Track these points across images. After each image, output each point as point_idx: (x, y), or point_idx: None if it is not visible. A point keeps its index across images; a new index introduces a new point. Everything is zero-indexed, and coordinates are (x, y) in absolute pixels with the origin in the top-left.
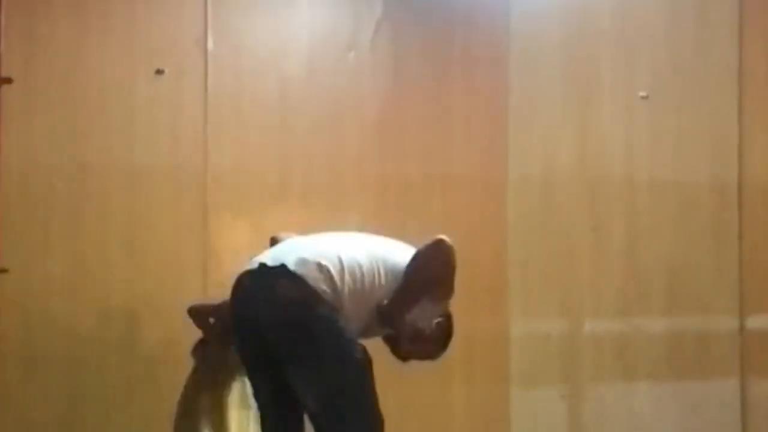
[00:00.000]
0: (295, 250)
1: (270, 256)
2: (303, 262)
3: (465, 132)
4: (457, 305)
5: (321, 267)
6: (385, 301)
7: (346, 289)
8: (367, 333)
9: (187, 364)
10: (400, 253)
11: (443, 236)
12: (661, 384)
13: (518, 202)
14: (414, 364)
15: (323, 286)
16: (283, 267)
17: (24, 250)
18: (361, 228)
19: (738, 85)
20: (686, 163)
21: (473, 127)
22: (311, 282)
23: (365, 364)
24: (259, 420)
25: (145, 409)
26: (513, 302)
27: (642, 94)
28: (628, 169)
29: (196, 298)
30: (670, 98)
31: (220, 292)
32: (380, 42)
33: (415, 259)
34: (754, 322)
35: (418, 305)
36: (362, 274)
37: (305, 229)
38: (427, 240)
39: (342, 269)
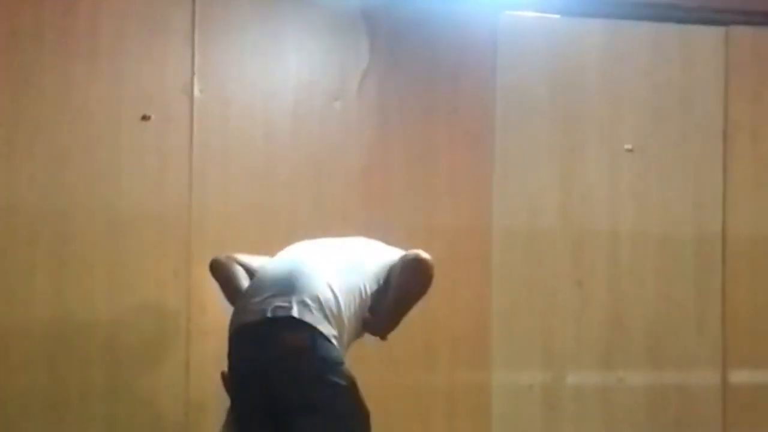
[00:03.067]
0: (291, 289)
1: (265, 301)
2: (304, 306)
3: (449, 182)
4: (440, 355)
5: (323, 308)
6: (368, 314)
7: (346, 321)
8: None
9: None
10: (380, 258)
11: (424, 255)
12: None
13: (502, 253)
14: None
15: (333, 331)
16: (289, 318)
17: (7, 295)
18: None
19: (723, 139)
20: (670, 216)
21: (458, 177)
22: (321, 329)
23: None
24: None
25: None
26: (496, 352)
27: (627, 147)
28: (613, 222)
29: (176, 347)
30: (654, 151)
31: (203, 339)
32: (366, 91)
33: (400, 286)
34: (737, 376)
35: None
36: (355, 298)
37: None
38: (410, 256)
39: (339, 303)
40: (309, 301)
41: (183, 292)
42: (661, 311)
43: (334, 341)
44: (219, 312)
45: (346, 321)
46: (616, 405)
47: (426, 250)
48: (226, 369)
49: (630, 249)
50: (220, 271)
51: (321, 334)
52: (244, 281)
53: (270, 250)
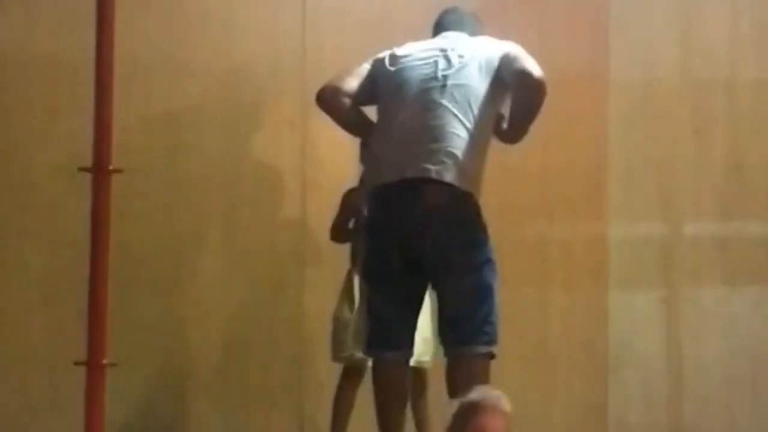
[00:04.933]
0: (426, 148)
1: (402, 161)
2: (443, 165)
3: (567, 32)
4: (555, 208)
5: (458, 164)
6: (505, 126)
7: (479, 167)
8: None
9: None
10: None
11: (537, 73)
12: (762, 287)
13: (619, 104)
14: (514, 270)
15: (471, 187)
16: (431, 179)
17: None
18: None
19: None
20: None
21: (575, 26)
22: (462, 186)
23: None
24: (377, 321)
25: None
26: (612, 205)
27: None
28: (732, 69)
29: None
30: None
31: (318, 193)
32: None
33: (519, 105)
34: None
35: None
36: (482, 133)
37: None
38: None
39: (471, 151)
40: (446, 159)
41: (298, 144)
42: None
43: (475, 196)
44: (335, 166)
45: (479, 167)
46: (735, 256)
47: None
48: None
49: (749, 96)
50: (327, 105)
51: (463, 193)
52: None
53: None
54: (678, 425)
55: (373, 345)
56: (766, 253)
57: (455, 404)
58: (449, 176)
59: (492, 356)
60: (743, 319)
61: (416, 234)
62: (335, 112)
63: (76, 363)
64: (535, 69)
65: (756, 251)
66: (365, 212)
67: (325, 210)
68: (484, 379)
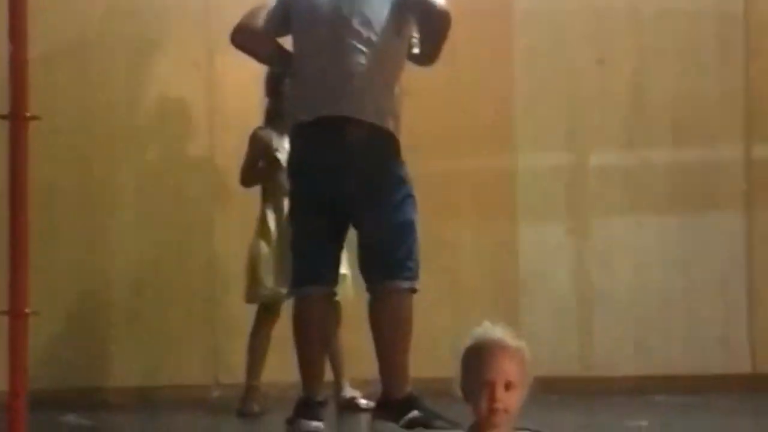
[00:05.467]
0: (343, 89)
1: (320, 103)
2: (361, 103)
3: None
4: (463, 141)
5: (375, 102)
6: (415, 50)
7: (393, 103)
8: None
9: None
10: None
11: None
12: (667, 217)
13: (524, 36)
14: (423, 204)
15: (389, 124)
16: (350, 118)
17: None
18: None
19: None
20: None
21: None
22: (381, 123)
23: None
24: (302, 257)
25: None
26: (520, 136)
27: None
28: None
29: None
30: None
31: (226, 133)
32: None
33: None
34: (761, 151)
35: None
36: (390, 72)
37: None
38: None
39: (381, 88)
40: (363, 97)
41: (205, 85)
42: (684, 88)
43: (395, 133)
44: (242, 105)
45: (395, 103)
46: (640, 184)
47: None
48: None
49: (652, 26)
50: (241, 45)
51: (383, 130)
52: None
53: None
54: (588, 356)
55: (297, 281)
56: (671, 182)
57: (459, 349)
58: (367, 114)
59: (414, 291)
60: (650, 248)
61: (338, 172)
62: (251, 51)
63: None
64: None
65: (660, 180)
66: (275, 148)
67: (232, 150)
68: (407, 313)
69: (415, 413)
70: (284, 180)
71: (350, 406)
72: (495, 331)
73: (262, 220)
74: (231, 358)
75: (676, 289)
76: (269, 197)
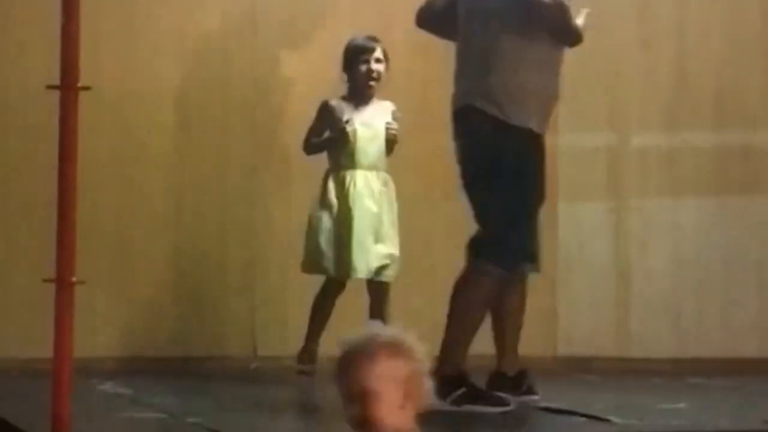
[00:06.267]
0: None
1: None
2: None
3: None
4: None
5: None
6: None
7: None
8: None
9: None
10: None
11: None
12: (707, 198)
13: None
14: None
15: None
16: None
17: None
18: None
19: None
20: None
21: None
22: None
23: None
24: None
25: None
26: (561, 116)
27: None
28: None
29: None
30: None
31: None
32: None
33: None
34: None
35: None
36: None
37: None
38: None
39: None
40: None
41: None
42: (727, 72)
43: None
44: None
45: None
46: (681, 166)
47: None
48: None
49: (696, 9)
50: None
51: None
52: None
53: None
54: (625, 332)
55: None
56: (712, 164)
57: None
58: None
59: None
60: (689, 229)
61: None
62: (434, 32)
63: (45, 280)
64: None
65: (702, 162)
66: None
67: (276, 116)
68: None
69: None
70: (350, 154)
71: None
72: (369, 336)
73: (324, 192)
74: (269, 328)
75: (714, 272)
76: (332, 169)
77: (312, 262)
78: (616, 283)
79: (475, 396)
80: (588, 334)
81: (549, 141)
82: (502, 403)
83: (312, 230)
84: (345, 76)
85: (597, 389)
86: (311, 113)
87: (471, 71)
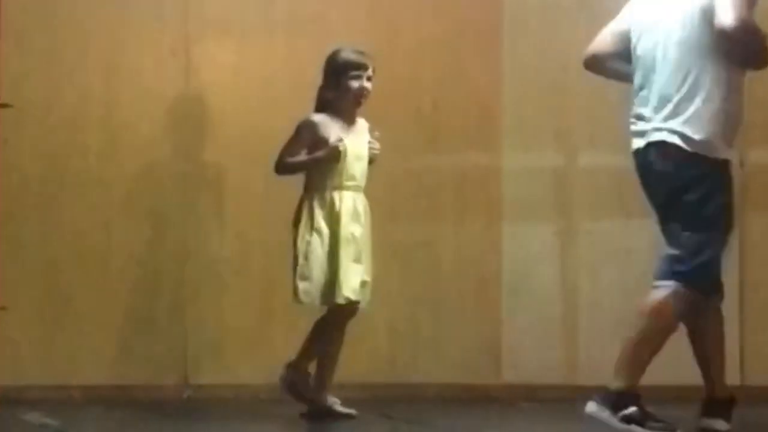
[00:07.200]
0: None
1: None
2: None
3: None
4: (448, 139)
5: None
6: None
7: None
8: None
9: None
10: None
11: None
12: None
13: (513, 33)
14: (407, 204)
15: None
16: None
17: None
18: None
19: None
20: None
21: None
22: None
23: None
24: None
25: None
26: (506, 134)
27: None
28: None
29: None
30: None
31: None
32: None
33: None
34: (755, 156)
35: None
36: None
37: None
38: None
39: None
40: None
41: (182, 72)
42: None
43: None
44: (220, 94)
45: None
46: (630, 186)
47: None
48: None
49: None
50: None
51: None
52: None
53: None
54: (573, 359)
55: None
56: None
57: None
58: None
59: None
60: (639, 252)
61: None
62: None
63: None
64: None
65: None
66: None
67: (208, 139)
68: None
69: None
70: (339, 174)
71: (331, 414)
72: None
73: (310, 215)
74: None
75: None
76: (316, 190)
77: (306, 290)
78: (563, 309)
79: (644, 418)
80: (534, 361)
81: (492, 160)
82: (670, 429)
83: (303, 256)
84: (324, 90)
85: (542, 418)
86: (243, 131)
87: (672, 103)
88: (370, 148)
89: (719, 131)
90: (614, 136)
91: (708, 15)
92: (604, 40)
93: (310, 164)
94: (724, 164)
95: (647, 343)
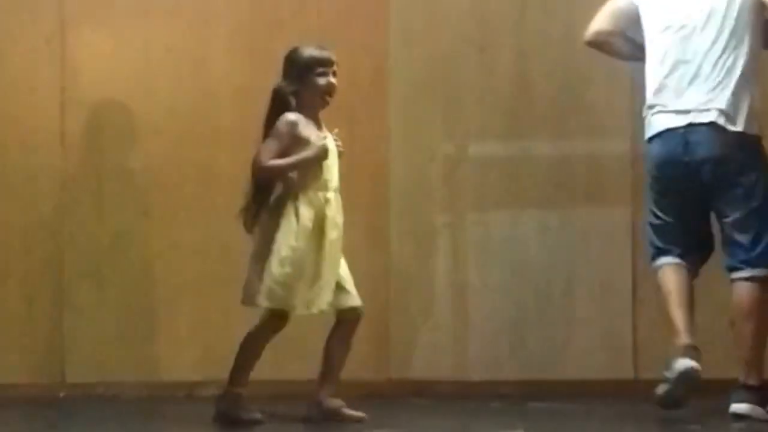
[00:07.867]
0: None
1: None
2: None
3: None
4: (336, 127)
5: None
6: None
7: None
8: None
9: None
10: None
11: None
12: (550, 211)
13: (400, 20)
14: None
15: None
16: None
17: None
18: None
19: None
20: None
21: None
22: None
23: None
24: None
25: None
26: (394, 123)
27: None
28: None
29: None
30: None
31: (78, 110)
32: None
33: None
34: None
35: None
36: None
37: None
38: None
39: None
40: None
41: (57, 60)
42: (570, 74)
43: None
44: (95, 81)
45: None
46: (521, 176)
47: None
48: None
49: (536, 11)
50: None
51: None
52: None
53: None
54: (463, 353)
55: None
56: (555, 175)
57: None
58: None
59: None
60: (530, 243)
61: None
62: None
63: None
64: None
65: (543, 173)
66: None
67: (85, 128)
68: None
69: None
70: (322, 173)
71: (335, 415)
72: None
73: (297, 216)
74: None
75: (557, 289)
76: (300, 190)
77: (280, 296)
78: (453, 302)
79: None
80: (423, 356)
81: (380, 150)
82: None
83: (286, 261)
84: (293, 85)
85: (431, 414)
86: (121, 120)
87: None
88: (337, 145)
89: (755, 109)
90: (503, 124)
91: None
92: (606, 18)
93: (300, 165)
94: (760, 140)
95: (762, 339)
